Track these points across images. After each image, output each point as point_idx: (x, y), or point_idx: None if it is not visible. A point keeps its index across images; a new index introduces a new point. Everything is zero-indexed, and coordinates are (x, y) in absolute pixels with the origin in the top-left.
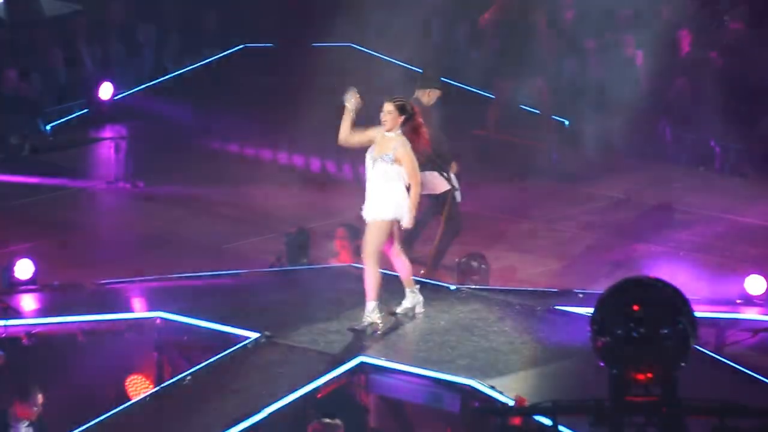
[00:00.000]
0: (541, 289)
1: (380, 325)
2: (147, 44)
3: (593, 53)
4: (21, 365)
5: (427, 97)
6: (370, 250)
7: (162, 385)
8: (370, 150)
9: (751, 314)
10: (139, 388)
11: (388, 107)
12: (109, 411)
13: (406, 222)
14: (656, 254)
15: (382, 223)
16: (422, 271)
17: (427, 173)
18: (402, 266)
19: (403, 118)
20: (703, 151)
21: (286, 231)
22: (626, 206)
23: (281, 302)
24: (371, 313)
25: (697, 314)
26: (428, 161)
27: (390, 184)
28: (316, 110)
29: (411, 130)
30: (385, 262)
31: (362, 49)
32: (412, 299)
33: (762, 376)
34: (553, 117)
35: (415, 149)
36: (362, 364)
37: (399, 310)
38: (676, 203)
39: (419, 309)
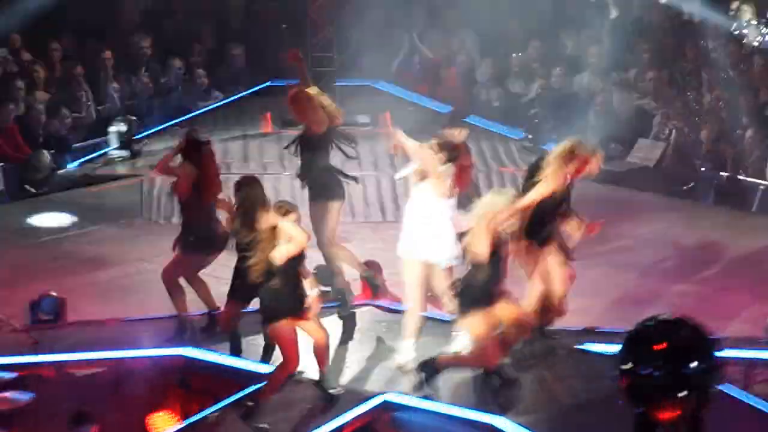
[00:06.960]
0: (569, 328)
1: (410, 365)
2: (175, 81)
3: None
4: (52, 401)
5: (458, 135)
6: (406, 288)
7: (187, 422)
8: None
9: None
10: (163, 425)
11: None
12: None
13: (442, 263)
14: (682, 293)
15: (407, 261)
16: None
17: None
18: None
19: (442, 155)
20: (732, 189)
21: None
22: (652, 244)
23: (304, 338)
24: (405, 353)
25: (724, 353)
26: None
27: (423, 219)
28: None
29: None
30: None
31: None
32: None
33: None
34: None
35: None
36: (386, 402)
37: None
38: (703, 241)
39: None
